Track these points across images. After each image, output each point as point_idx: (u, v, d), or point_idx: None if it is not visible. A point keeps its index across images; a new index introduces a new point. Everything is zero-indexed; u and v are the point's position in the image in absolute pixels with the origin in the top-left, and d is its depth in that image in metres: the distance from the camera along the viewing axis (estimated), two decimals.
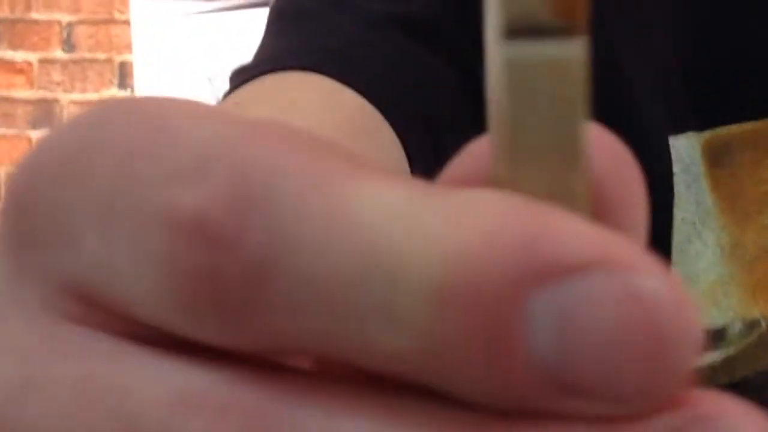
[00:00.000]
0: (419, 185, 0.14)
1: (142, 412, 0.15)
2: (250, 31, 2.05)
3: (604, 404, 0.13)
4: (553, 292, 0.13)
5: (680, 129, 0.55)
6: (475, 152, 0.16)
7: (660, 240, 0.54)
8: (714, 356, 0.54)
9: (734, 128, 0.55)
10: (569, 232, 0.13)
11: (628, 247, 0.13)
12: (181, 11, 2.21)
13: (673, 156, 0.55)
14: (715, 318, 0.54)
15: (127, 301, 0.15)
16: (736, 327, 0.55)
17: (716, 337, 0.55)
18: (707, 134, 0.55)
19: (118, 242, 0.15)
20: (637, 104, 0.55)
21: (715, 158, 0.55)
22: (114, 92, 2.44)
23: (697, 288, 0.55)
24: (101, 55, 2.43)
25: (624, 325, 0.13)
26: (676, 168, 0.55)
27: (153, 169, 0.14)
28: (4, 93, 2.47)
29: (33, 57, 2.46)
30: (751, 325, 0.54)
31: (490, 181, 0.15)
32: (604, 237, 0.13)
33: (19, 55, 2.46)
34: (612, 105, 0.50)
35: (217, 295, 0.14)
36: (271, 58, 0.48)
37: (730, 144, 0.55)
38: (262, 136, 0.14)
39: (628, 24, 0.58)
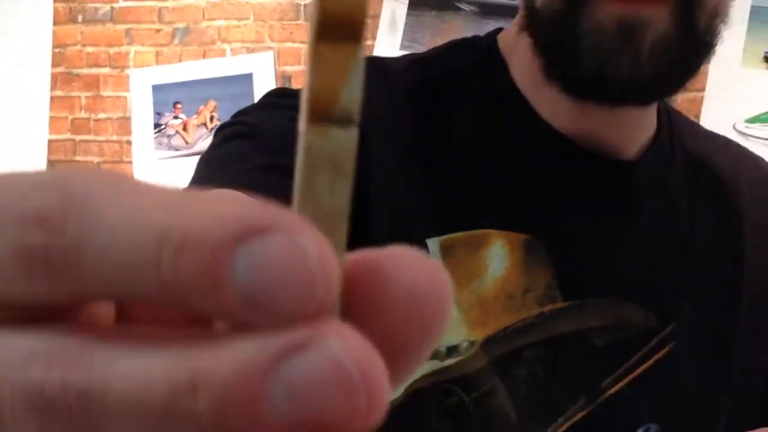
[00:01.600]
0: (193, 192, 0.18)
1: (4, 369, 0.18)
2: None
3: (272, 318, 0.17)
4: (249, 248, 0.17)
5: (429, 234, 0.66)
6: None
7: None
8: (451, 360, 0.67)
9: (456, 235, 0.67)
10: (267, 213, 0.17)
11: (300, 222, 0.17)
12: (164, 156, 2.86)
13: (430, 250, 0.66)
14: (451, 339, 0.67)
15: None
16: (464, 345, 0.67)
17: (452, 350, 0.67)
18: (442, 238, 0.67)
19: None
20: (403, 214, 0.65)
21: (447, 250, 0.67)
22: None
23: None
24: None
25: (287, 263, 0.17)
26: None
27: (10, 198, 0.18)
28: None
29: None
30: (471, 343, 0.67)
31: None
32: (284, 217, 0.17)
33: None
34: (388, 216, 0.64)
35: (49, 260, 0.17)
36: (190, 186, 0.59)
37: (455, 243, 0.67)
38: (85, 176, 0.18)
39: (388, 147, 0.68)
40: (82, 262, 0.17)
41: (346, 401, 0.16)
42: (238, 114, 0.70)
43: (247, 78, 2.71)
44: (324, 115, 0.18)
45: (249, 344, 0.17)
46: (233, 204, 0.17)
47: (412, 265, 0.19)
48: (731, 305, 0.75)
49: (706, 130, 0.85)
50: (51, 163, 2.84)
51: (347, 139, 0.18)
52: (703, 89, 2.26)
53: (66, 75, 2.88)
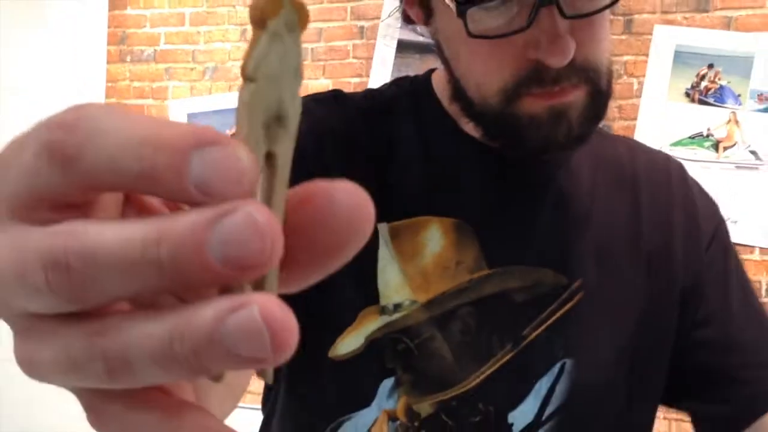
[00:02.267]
0: (160, 119, 0.21)
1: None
2: None
3: (208, 197, 0.20)
4: (201, 152, 0.20)
5: (379, 221, 0.69)
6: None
7: (371, 266, 0.69)
8: (397, 315, 0.71)
9: (401, 222, 0.71)
10: (216, 133, 0.20)
11: (231, 140, 0.20)
12: None
13: (380, 233, 0.71)
14: (396, 298, 0.71)
15: (17, 182, 0.21)
16: (407, 302, 0.71)
17: (397, 306, 0.71)
18: (390, 224, 0.71)
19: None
20: None
21: (394, 234, 0.70)
22: None
23: (392, 285, 0.70)
24: None
25: (225, 163, 0.20)
26: (380, 239, 0.69)
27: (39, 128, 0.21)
28: None
29: None
30: (413, 302, 0.71)
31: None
32: (227, 138, 0.20)
33: None
34: None
35: (66, 152, 0.20)
36: None
37: (400, 228, 0.70)
38: (93, 108, 0.21)
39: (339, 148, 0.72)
40: (89, 154, 0.20)
41: (258, 242, 0.20)
42: None
43: None
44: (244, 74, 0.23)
45: (197, 213, 0.20)
46: (194, 127, 0.21)
47: (353, 194, 0.22)
48: (633, 260, 0.79)
49: (609, 133, 0.92)
50: None
51: (251, 89, 0.22)
52: (635, 118, 2.45)
53: (117, 105, 2.94)
